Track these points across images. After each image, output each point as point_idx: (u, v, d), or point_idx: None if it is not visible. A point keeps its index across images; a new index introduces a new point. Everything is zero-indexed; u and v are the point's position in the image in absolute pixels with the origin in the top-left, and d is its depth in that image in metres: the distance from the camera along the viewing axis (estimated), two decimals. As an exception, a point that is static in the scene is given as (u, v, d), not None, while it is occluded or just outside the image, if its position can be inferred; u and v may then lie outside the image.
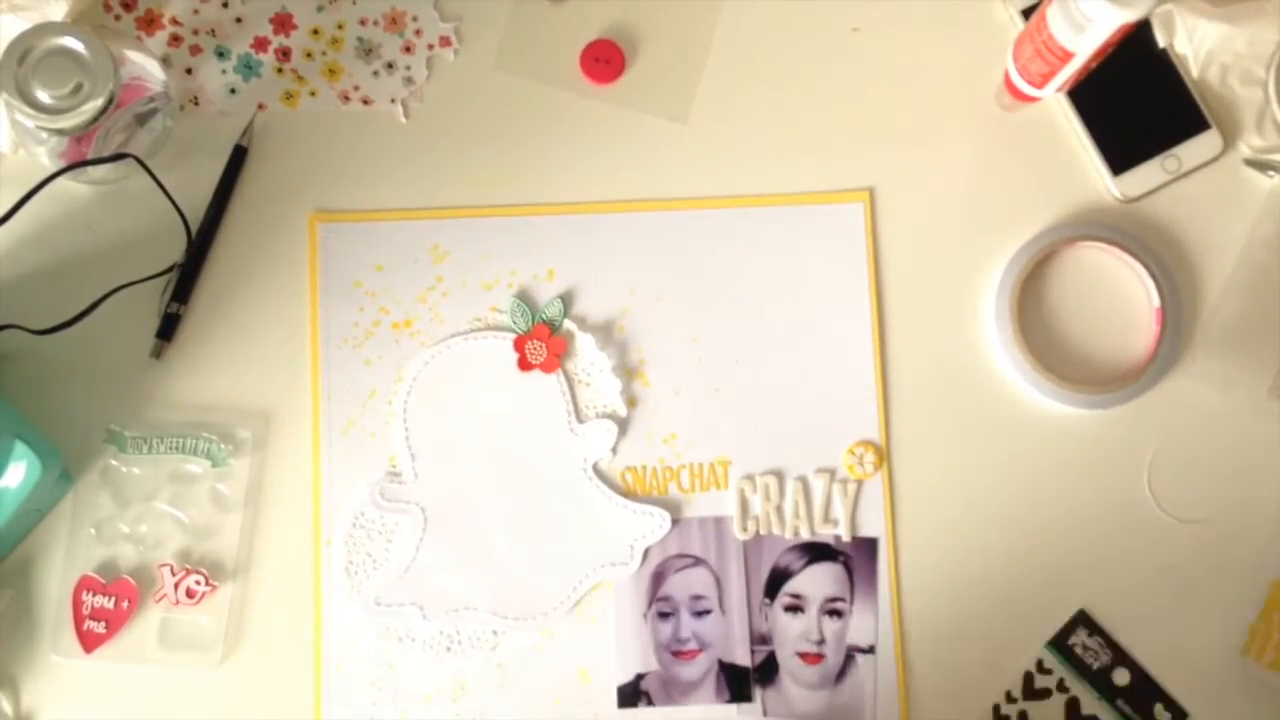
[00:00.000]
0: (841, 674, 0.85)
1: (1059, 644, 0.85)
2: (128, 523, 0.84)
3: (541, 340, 0.87)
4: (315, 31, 0.90)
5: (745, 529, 0.86)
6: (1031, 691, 0.84)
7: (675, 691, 0.84)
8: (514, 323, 0.87)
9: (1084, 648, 0.85)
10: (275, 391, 0.86)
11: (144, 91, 0.82)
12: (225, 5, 0.89)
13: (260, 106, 0.89)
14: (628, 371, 0.87)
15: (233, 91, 0.89)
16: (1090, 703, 0.84)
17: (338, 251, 0.88)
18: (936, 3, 0.91)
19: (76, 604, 0.83)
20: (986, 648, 0.86)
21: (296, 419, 0.86)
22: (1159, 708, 0.84)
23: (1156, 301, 0.88)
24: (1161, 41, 0.90)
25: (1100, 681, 0.84)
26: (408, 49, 0.90)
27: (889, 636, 0.85)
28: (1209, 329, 0.88)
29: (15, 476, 0.78)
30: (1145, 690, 0.85)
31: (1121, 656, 0.85)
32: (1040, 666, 0.85)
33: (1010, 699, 0.84)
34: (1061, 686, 0.84)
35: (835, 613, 0.85)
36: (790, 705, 0.84)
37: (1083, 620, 0.85)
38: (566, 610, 0.85)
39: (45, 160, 0.83)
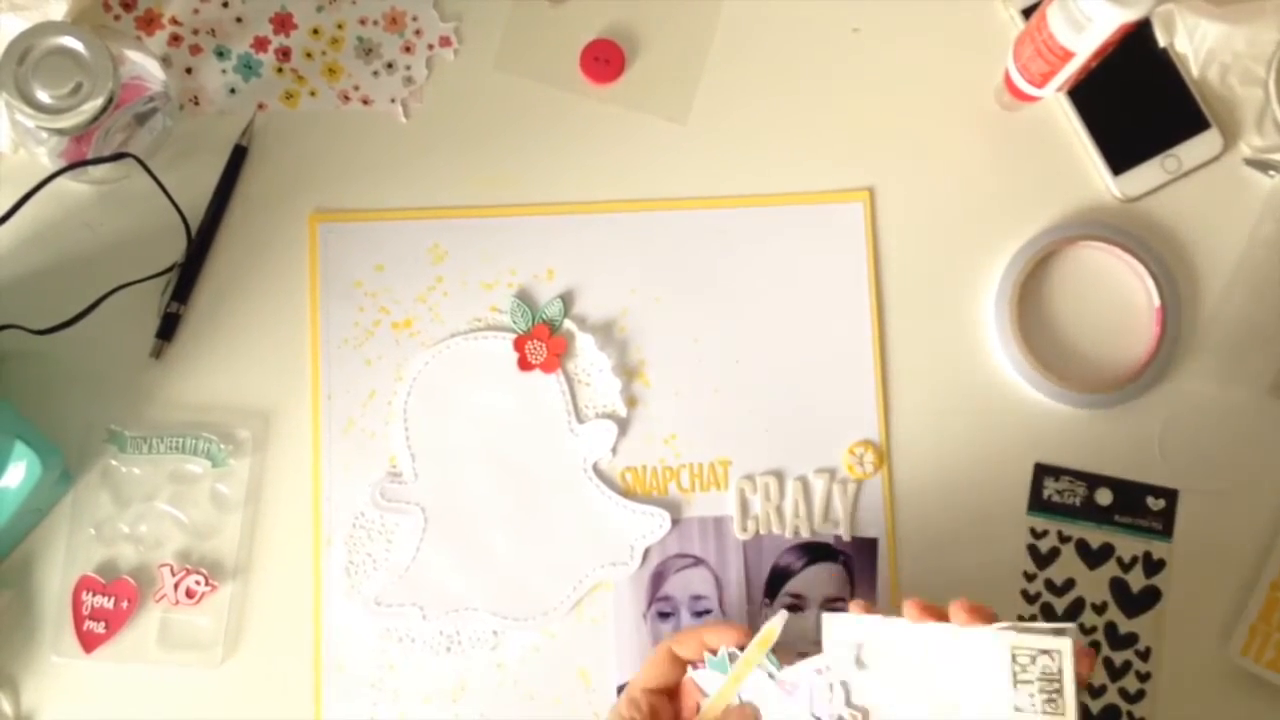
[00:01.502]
0: (842, 674, 0.85)
1: (1037, 504, 0.86)
2: (128, 523, 0.84)
3: (541, 340, 0.87)
4: (315, 31, 0.90)
5: (745, 529, 0.86)
6: (1041, 559, 0.86)
7: (675, 691, 0.84)
8: (514, 323, 0.87)
9: (1058, 492, 0.86)
10: (275, 391, 0.86)
11: (144, 91, 0.82)
12: (225, 5, 0.89)
13: (260, 106, 0.89)
14: (628, 371, 0.87)
15: (233, 91, 0.89)
16: (1093, 534, 0.86)
17: (338, 251, 0.88)
18: (937, 2, 0.91)
19: (76, 604, 0.83)
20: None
21: (296, 419, 0.86)
22: (1149, 499, 0.86)
23: (1157, 301, 0.88)
24: (1162, 41, 0.90)
25: (1089, 511, 0.86)
26: (408, 49, 0.90)
27: (889, 636, 0.85)
28: (1209, 328, 0.88)
29: (15, 476, 0.78)
30: (1130, 493, 0.87)
31: (1093, 480, 0.86)
32: (1034, 533, 0.86)
33: (1029, 577, 0.86)
34: (1062, 537, 0.86)
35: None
36: (790, 705, 0.84)
37: (1044, 471, 0.86)
38: (566, 610, 0.85)
39: (45, 160, 0.83)
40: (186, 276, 0.86)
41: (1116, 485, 0.87)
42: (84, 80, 0.78)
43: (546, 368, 0.87)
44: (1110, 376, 0.88)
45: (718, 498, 0.86)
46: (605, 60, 0.90)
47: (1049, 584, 0.86)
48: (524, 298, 0.87)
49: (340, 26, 0.90)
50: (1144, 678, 0.85)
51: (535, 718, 0.84)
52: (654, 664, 0.76)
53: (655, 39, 0.91)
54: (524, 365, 0.87)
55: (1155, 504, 0.86)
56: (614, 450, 0.86)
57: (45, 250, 0.86)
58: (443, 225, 0.88)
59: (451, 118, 0.89)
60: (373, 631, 0.84)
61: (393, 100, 0.89)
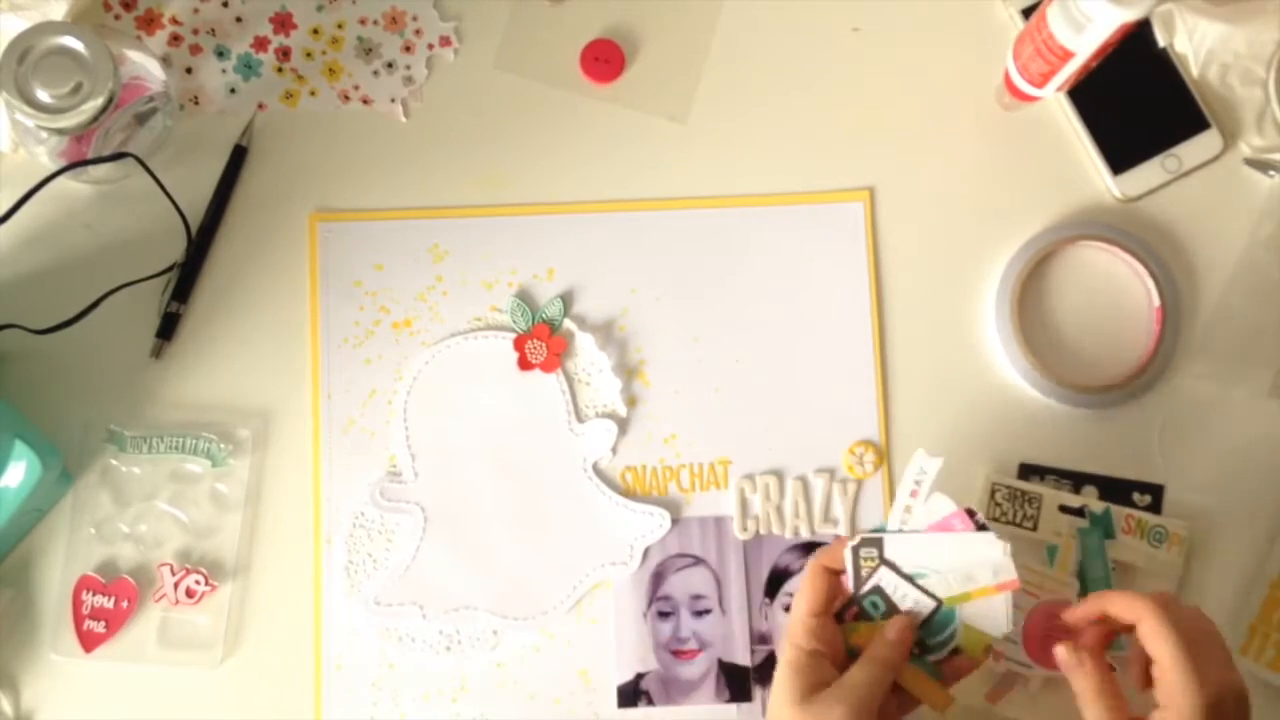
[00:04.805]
0: (841, 674, 0.85)
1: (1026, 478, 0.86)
2: (127, 522, 0.84)
3: (541, 340, 0.87)
4: (315, 31, 0.90)
5: (745, 528, 0.86)
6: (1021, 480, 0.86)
7: (675, 691, 0.84)
8: (514, 322, 0.87)
9: (1042, 479, 0.86)
10: (275, 391, 0.86)
11: (144, 91, 0.82)
12: (225, 5, 0.89)
13: (260, 106, 0.89)
14: (628, 371, 0.87)
15: (233, 91, 0.89)
16: (1070, 498, 0.85)
17: (338, 251, 0.88)
18: (937, 2, 0.91)
19: (76, 603, 0.83)
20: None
21: (296, 418, 0.86)
22: (1135, 495, 0.86)
23: (1157, 301, 0.88)
24: (1161, 41, 0.90)
25: (1084, 510, 0.85)
26: (408, 48, 0.90)
27: (889, 636, 0.85)
28: (1209, 328, 0.88)
29: (15, 476, 0.78)
30: (1115, 489, 0.86)
31: (1080, 478, 0.86)
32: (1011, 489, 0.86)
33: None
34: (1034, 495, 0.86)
35: (835, 612, 0.85)
36: (790, 705, 0.84)
37: (1029, 470, 0.86)
38: (566, 610, 0.85)
39: (45, 159, 0.83)
40: (186, 276, 0.86)
41: (1102, 481, 0.87)
42: (84, 80, 0.78)
43: (546, 367, 0.87)
44: (1110, 376, 0.88)
45: (718, 497, 0.86)
46: (605, 60, 0.90)
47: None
48: (524, 297, 0.87)
49: (340, 26, 0.90)
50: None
51: (535, 718, 0.84)
52: (811, 585, 0.75)
53: (655, 39, 0.91)
54: (524, 365, 0.87)
55: (1140, 500, 0.86)
56: (614, 450, 0.86)
57: (45, 250, 0.86)
58: (443, 225, 0.88)
59: (451, 118, 0.89)
60: (373, 631, 0.84)
61: (393, 100, 0.89)
